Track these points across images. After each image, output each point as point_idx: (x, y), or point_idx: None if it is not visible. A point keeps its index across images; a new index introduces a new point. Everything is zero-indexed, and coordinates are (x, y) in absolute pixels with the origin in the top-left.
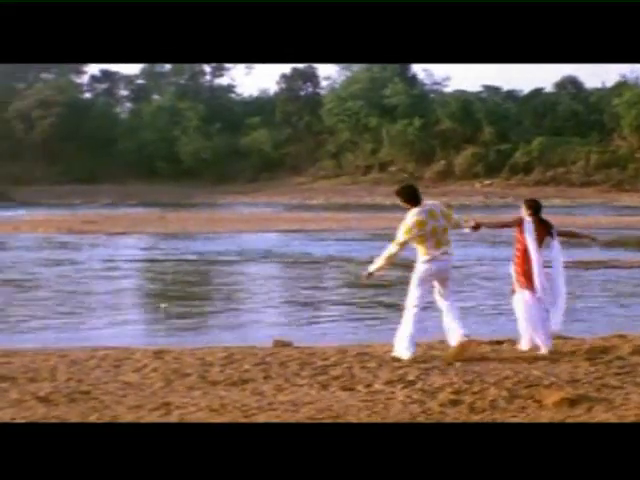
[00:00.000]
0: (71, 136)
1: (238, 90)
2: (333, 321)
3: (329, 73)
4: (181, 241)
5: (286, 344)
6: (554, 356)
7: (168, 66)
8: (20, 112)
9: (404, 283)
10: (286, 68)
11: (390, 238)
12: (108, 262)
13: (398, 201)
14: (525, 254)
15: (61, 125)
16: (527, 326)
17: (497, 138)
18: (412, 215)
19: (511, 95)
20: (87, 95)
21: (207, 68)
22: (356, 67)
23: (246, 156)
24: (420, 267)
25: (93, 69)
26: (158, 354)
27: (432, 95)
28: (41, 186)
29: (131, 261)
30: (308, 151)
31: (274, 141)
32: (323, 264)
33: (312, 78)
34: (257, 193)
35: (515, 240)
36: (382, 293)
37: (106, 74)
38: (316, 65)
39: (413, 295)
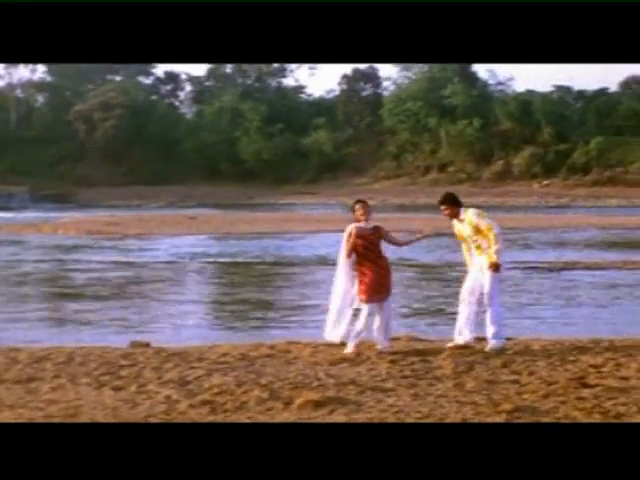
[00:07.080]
0: (133, 138)
1: (307, 91)
2: None
3: (390, 74)
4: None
5: (143, 345)
6: (363, 357)
7: (230, 67)
8: (82, 114)
9: None
10: (347, 69)
11: None
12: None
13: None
14: None
15: (123, 127)
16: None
17: (556, 138)
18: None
19: (582, 95)
20: (153, 97)
21: (272, 69)
22: (416, 68)
23: (307, 157)
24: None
25: (158, 71)
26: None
27: (496, 95)
28: (103, 187)
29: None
30: (369, 152)
31: (335, 142)
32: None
33: (373, 79)
34: (318, 194)
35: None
36: None
37: (170, 76)
38: (377, 65)
39: None
